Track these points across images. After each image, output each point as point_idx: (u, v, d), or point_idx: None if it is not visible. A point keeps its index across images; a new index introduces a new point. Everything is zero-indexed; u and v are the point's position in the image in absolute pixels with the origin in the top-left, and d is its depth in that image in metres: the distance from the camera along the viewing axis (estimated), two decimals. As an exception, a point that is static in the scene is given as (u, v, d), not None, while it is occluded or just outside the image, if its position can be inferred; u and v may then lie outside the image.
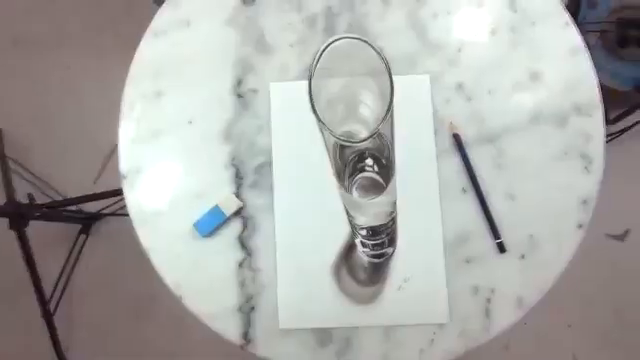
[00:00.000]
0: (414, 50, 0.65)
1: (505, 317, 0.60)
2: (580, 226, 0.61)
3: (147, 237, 0.63)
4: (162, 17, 0.67)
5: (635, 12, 1.26)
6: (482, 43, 0.65)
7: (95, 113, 1.38)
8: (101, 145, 1.37)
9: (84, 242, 1.33)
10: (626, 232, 1.32)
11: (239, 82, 0.65)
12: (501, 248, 0.61)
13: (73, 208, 1.31)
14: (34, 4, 1.46)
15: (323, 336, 0.61)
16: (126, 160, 0.65)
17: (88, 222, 1.34)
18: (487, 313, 0.60)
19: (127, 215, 0.64)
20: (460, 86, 0.64)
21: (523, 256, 0.61)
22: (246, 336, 0.61)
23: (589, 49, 0.64)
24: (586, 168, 0.62)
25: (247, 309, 0.61)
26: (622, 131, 1.31)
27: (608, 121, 1.37)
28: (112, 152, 1.39)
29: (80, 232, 1.34)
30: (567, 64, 0.64)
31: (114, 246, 1.35)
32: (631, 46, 1.25)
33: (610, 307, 1.27)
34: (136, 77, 0.66)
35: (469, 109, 0.64)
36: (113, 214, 1.29)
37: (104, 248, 1.36)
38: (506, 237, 0.61)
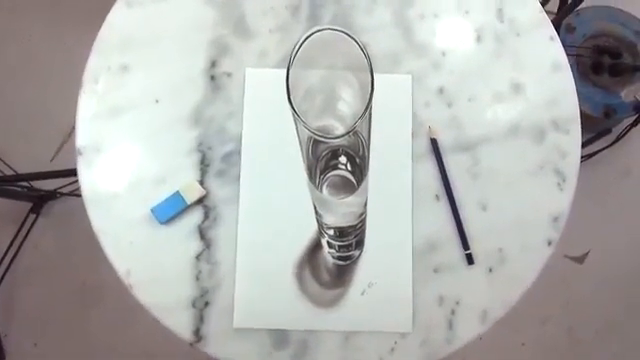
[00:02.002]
0: (398, 49, 0.63)
1: (468, 330, 0.58)
2: (549, 243, 0.60)
3: (99, 219, 0.59)
4: (137, -13, 0.63)
5: (611, 40, 1.28)
6: (466, 49, 0.63)
7: (57, 87, 1.31)
8: (62, 122, 1.30)
9: (33, 222, 1.26)
10: (585, 255, 1.34)
11: (213, 64, 0.62)
12: (469, 260, 0.59)
13: (26, 185, 1.24)
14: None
15: (279, 338, 0.58)
16: (84, 136, 0.60)
17: (39, 201, 1.27)
18: (450, 325, 0.58)
19: (81, 196, 0.59)
20: (441, 90, 0.62)
21: (491, 269, 0.59)
22: (197, 333, 0.57)
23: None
24: (559, 185, 0.61)
25: (201, 304, 0.58)
26: (589, 156, 1.33)
27: (576, 145, 1.40)
28: (72, 130, 1.31)
29: (30, 211, 1.27)
30: (549, 78, 0.63)
31: (66, 229, 1.28)
32: (604, 73, 1.27)
33: (564, 327, 1.29)
34: (102, 48, 0.62)
35: (448, 115, 0.62)
36: (67, 194, 1.22)
37: (55, 230, 1.29)
38: (475, 248, 0.59)
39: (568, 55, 0.62)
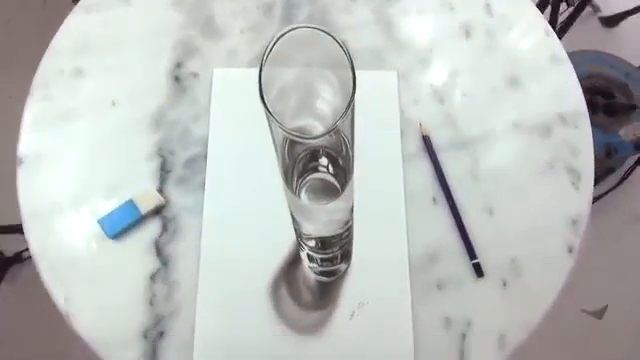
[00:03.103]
0: (381, 46, 0.58)
1: (484, 358, 0.47)
2: (570, 250, 0.51)
3: (38, 238, 0.50)
4: (98, -8, 0.59)
5: (601, 81, 1.26)
6: (455, 44, 0.58)
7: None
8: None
9: (-5, 287, 1.14)
10: (604, 309, 1.22)
11: (178, 64, 0.56)
12: (478, 271, 0.50)
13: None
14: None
15: (250, 375, 0.46)
16: (26, 144, 0.53)
17: (4, 265, 1.16)
18: (462, 352, 0.47)
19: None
20: (431, 86, 0.56)
21: (505, 283, 0.50)
22: (148, 372, 0.46)
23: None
24: (574, 184, 0.53)
25: (154, 335, 0.47)
26: (595, 199, 1.26)
27: (579, 189, 1.33)
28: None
29: (-8, 276, 1.15)
30: (548, 72, 0.57)
31: (30, 296, 1.15)
32: (599, 113, 1.24)
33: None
34: (56, 52, 0.56)
35: (441, 112, 0.55)
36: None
37: (18, 297, 1.17)
38: (484, 259, 0.50)
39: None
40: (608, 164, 1.24)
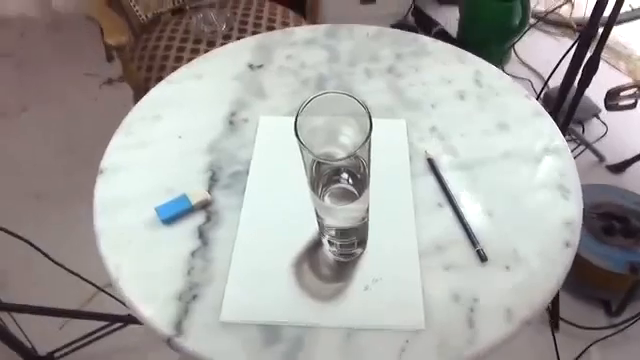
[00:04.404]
0: (393, 104, 0.72)
1: (493, 329, 0.49)
2: (568, 245, 0.56)
3: (103, 222, 0.59)
4: (178, 72, 0.78)
5: (614, 208, 1.34)
6: (453, 104, 0.72)
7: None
8: (85, 287, 1.28)
9: (21, 385, 1.14)
10: None
11: (233, 113, 0.72)
12: (481, 257, 0.55)
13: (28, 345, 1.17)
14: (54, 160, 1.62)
15: (270, 334, 0.50)
16: (108, 160, 0.66)
17: (35, 362, 1.18)
18: (471, 323, 0.50)
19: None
20: (434, 129, 0.69)
21: (508, 267, 0.54)
22: (179, 327, 0.50)
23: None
24: (564, 195, 0.60)
25: (188, 297, 0.53)
26: (627, 321, 1.23)
27: (611, 313, 1.30)
28: (92, 296, 1.31)
29: (21, 374, 1.16)
30: (532, 122, 0.69)
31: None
32: (617, 235, 1.29)
33: None
34: (141, 107, 0.73)
35: (443, 145, 0.67)
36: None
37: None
38: (488, 249, 0.55)
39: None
40: (634, 278, 1.23)
